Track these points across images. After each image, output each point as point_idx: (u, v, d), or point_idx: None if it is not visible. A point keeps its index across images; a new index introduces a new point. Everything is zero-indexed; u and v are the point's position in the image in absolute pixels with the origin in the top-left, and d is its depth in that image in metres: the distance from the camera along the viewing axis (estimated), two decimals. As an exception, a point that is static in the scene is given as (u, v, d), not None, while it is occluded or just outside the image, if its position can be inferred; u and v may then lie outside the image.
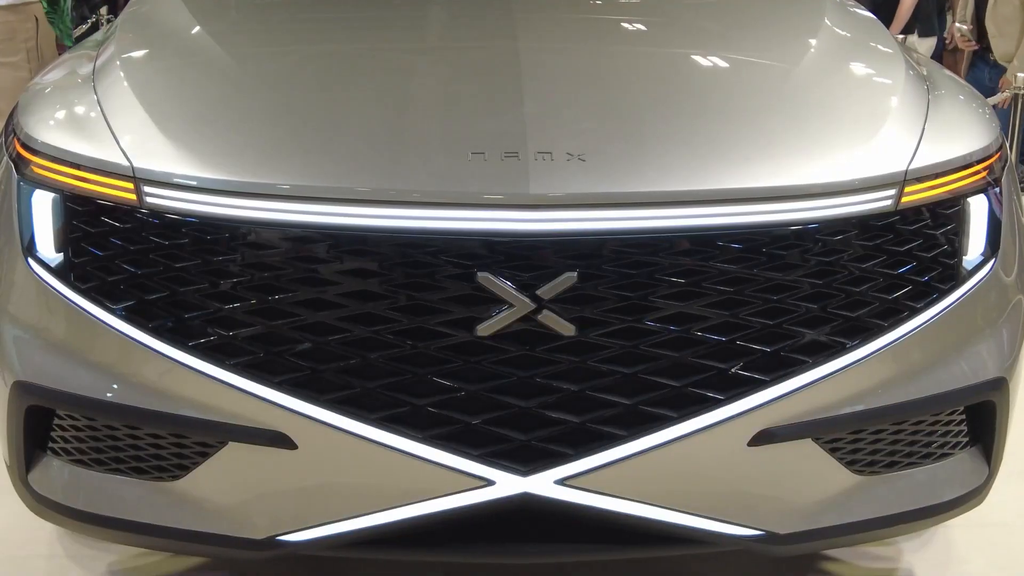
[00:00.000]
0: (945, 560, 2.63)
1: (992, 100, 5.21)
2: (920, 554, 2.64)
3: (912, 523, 2.14)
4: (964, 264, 2.07)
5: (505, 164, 1.86)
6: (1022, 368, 2.20)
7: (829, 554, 2.60)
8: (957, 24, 6.24)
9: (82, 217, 1.96)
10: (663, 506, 1.93)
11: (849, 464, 2.02)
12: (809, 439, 1.95)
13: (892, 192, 1.97)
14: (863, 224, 1.95)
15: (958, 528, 2.68)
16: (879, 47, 2.53)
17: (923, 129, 2.10)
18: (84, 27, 5.55)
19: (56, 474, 2.06)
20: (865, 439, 2.03)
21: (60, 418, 2.03)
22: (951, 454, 2.14)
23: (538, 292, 1.81)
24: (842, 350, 1.93)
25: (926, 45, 7.02)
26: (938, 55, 7.04)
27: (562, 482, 1.88)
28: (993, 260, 2.10)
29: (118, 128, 2.02)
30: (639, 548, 2.03)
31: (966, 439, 2.16)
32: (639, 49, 2.54)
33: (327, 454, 1.88)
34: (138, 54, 2.38)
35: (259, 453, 1.89)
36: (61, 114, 2.17)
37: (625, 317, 1.86)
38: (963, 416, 2.14)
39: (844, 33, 2.59)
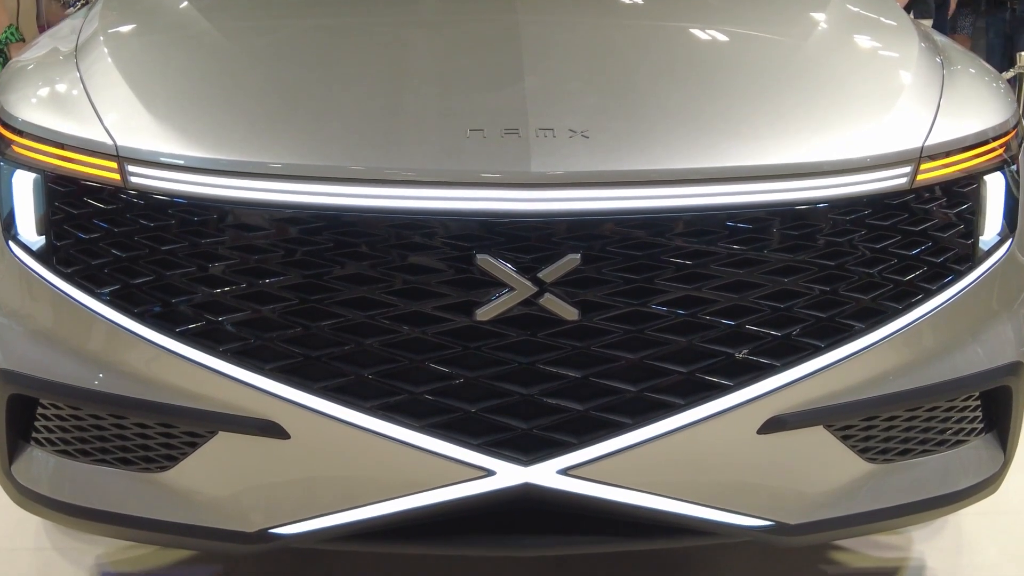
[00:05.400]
0: (956, 549, 2.60)
1: (1007, 75, 5.15)
2: (931, 543, 2.61)
3: (926, 512, 2.09)
4: (980, 244, 2.01)
5: (505, 141, 1.80)
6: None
7: (838, 543, 2.57)
8: None
9: (65, 198, 1.90)
10: (669, 496, 1.87)
11: (861, 452, 1.96)
12: (820, 426, 1.90)
13: (907, 170, 1.90)
14: (877, 203, 1.88)
15: (969, 516, 2.65)
16: (890, 21, 2.46)
17: (938, 105, 2.04)
18: (74, 9, 5.49)
19: (40, 465, 2.01)
20: (878, 426, 1.97)
21: (44, 407, 1.98)
22: (966, 441, 2.09)
23: (539, 275, 1.76)
24: (854, 334, 1.88)
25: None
26: None
27: (565, 472, 1.82)
28: (1010, 240, 2.05)
29: (101, 106, 1.96)
30: (644, 540, 1.98)
31: (981, 425, 2.11)
32: (644, 23, 2.47)
33: (321, 444, 1.83)
34: (122, 29, 2.31)
35: (250, 443, 1.84)
36: (43, 92, 2.10)
37: (630, 300, 1.80)
38: (978, 402, 2.09)
39: (854, 7, 2.52)
